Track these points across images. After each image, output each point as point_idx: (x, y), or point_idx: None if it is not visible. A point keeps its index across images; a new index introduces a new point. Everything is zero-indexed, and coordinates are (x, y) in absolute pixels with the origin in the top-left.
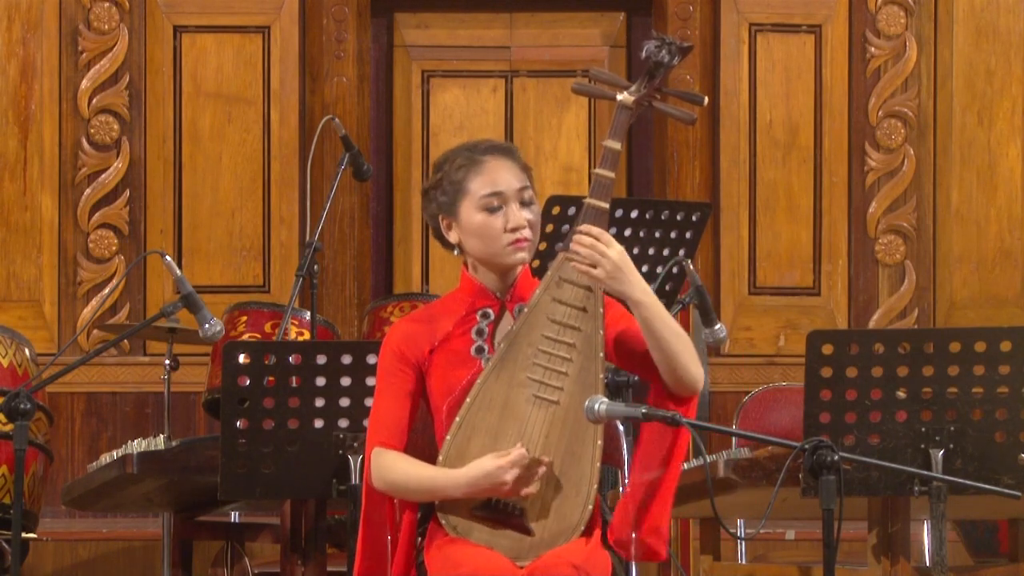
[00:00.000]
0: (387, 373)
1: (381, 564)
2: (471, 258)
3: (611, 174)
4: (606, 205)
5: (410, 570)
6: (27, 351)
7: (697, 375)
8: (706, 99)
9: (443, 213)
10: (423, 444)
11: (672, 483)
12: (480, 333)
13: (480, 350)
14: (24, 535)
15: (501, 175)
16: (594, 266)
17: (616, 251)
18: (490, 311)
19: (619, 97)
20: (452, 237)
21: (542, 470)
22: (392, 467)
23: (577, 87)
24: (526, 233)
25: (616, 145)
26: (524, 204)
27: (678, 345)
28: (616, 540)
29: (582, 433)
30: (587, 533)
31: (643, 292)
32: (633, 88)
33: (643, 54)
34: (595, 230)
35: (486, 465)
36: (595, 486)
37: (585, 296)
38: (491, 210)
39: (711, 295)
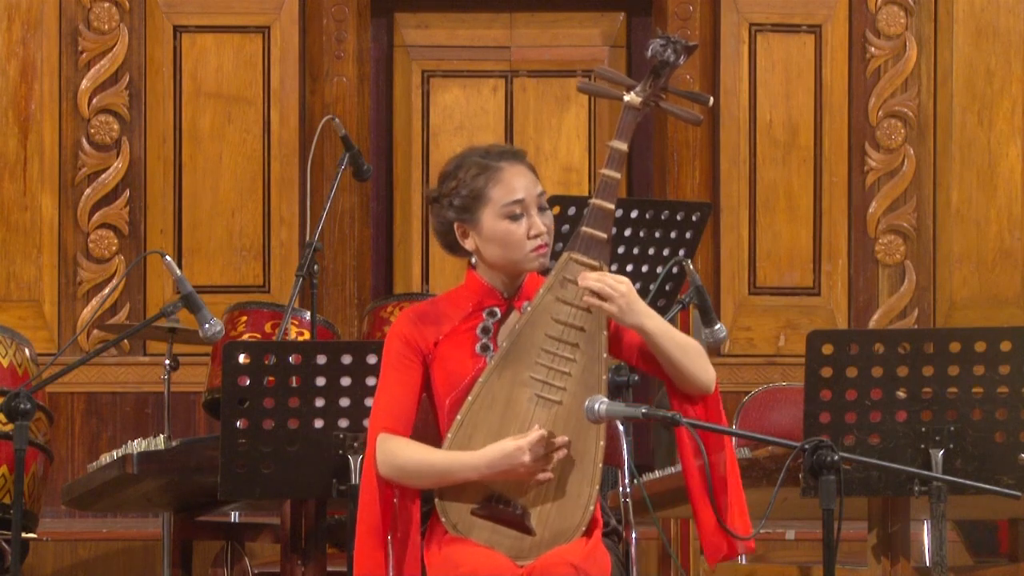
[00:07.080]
0: (394, 360)
1: (380, 562)
2: (485, 264)
3: (617, 175)
4: (611, 206)
5: (416, 570)
6: (27, 351)
7: (708, 379)
8: (711, 99)
9: (459, 220)
10: (425, 440)
11: (734, 461)
12: (485, 331)
13: (485, 348)
14: (24, 535)
15: (520, 181)
16: (606, 300)
17: (625, 286)
18: (497, 310)
19: (626, 98)
20: (468, 244)
21: (561, 453)
22: (401, 452)
23: (583, 86)
24: (547, 239)
25: (623, 146)
26: (541, 209)
27: (689, 356)
28: (714, 552)
29: (584, 433)
30: (587, 533)
31: (651, 319)
32: (639, 88)
33: (648, 53)
34: (596, 274)
35: (506, 446)
36: (597, 486)
37: None
38: (514, 218)
39: (711, 295)
